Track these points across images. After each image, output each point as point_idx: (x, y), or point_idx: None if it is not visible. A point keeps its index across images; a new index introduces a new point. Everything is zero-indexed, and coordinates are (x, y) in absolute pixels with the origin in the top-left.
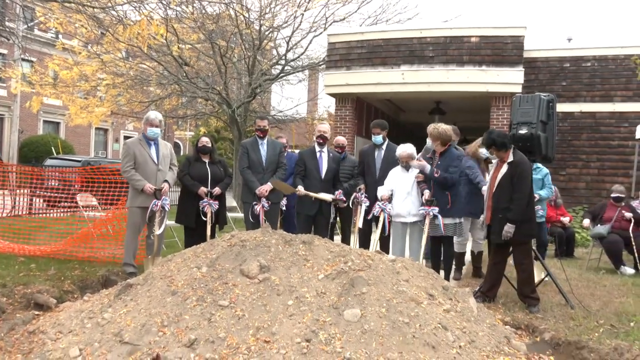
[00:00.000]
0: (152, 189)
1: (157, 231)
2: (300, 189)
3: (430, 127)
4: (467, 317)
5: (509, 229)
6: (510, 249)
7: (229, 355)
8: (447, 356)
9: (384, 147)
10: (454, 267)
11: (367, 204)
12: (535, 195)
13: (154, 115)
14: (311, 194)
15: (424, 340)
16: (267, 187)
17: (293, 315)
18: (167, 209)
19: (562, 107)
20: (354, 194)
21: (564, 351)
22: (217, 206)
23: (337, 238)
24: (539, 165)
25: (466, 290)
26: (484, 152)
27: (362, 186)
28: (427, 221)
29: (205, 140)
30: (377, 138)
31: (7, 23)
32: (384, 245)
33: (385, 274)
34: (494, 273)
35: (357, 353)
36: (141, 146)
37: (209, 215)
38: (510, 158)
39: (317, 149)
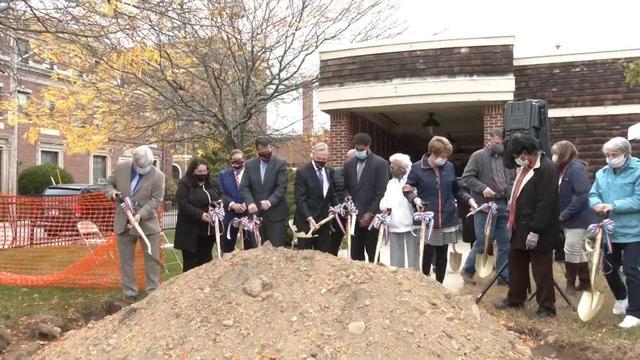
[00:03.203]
0: (117, 195)
1: (129, 226)
2: (312, 222)
3: (441, 144)
4: (470, 324)
5: (532, 237)
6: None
7: None
8: None
9: (366, 160)
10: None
11: (357, 212)
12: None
13: (142, 159)
14: (321, 223)
15: (429, 349)
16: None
17: (298, 331)
18: (135, 205)
19: (553, 113)
20: (344, 203)
21: (568, 353)
22: (224, 214)
23: (342, 252)
24: (633, 164)
25: (468, 298)
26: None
27: (350, 196)
28: (423, 226)
29: (203, 168)
30: (362, 153)
31: (1, 56)
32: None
33: (387, 285)
34: (515, 278)
35: None
36: (125, 172)
37: (217, 224)
38: (538, 164)
39: (316, 167)
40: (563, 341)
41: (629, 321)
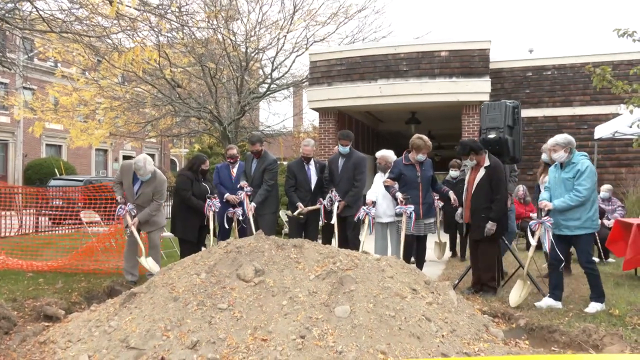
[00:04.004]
0: (119, 200)
1: (127, 231)
2: (301, 205)
3: (422, 141)
4: (448, 308)
5: (491, 226)
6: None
7: (229, 354)
8: (431, 345)
9: (347, 155)
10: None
11: (339, 200)
12: (549, 204)
13: (141, 170)
14: (309, 208)
15: (410, 332)
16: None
17: (288, 314)
18: (133, 213)
19: (526, 113)
20: (328, 195)
21: (537, 335)
22: (219, 206)
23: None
24: (576, 159)
25: (446, 284)
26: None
27: (333, 188)
28: (404, 218)
29: (208, 164)
30: (345, 149)
31: (8, 54)
32: (353, 243)
33: (371, 272)
34: (486, 265)
35: (348, 346)
36: (128, 174)
37: (211, 215)
38: (487, 162)
39: (304, 162)
40: (533, 324)
41: (593, 307)
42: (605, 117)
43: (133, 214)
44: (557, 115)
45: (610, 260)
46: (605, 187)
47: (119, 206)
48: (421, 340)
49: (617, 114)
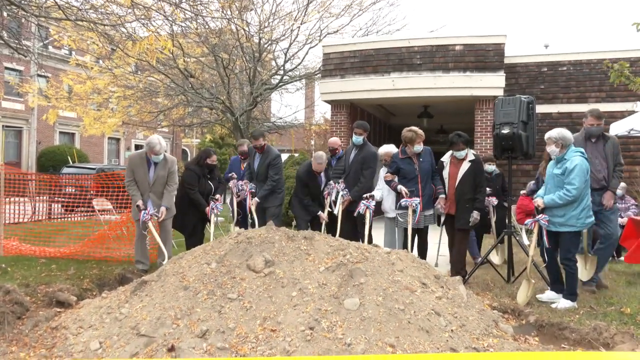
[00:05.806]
0: (141, 205)
1: (148, 240)
2: (323, 216)
3: (412, 133)
4: (457, 303)
5: (477, 216)
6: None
7: (238, 344)
8: (441, 339)
9: (360, 147)
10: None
11: (344, 193)
12: (539, 201)
13: (157, 146)
14: (325, 214)
15: (419, 326)
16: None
17: (297, 305)
18: (157, 216)
19: (541, 109)
20: (334, 185)
21: (547, 332)
22: (221, 209)
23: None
24: (568, 155)
25: (456, 279)
26: None
27: (341, 180)
28: (410, 212)
29: (215, 159)
30: (358, 139)
31: (23, 41)
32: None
33: (381, 265)
34: (460, 251)
35: (357, 339)
36: (140, 163)
37: (213, 217)
38: (472, 156)
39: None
40: (543, 321)
41: (563, 303)
42: (621, 115)
43: (157, 217)
44: (571, 112)
45: (622, 259)
46: (619, 185)
47: (142, 212)
48: (430, 334)
49: (633, 112)
